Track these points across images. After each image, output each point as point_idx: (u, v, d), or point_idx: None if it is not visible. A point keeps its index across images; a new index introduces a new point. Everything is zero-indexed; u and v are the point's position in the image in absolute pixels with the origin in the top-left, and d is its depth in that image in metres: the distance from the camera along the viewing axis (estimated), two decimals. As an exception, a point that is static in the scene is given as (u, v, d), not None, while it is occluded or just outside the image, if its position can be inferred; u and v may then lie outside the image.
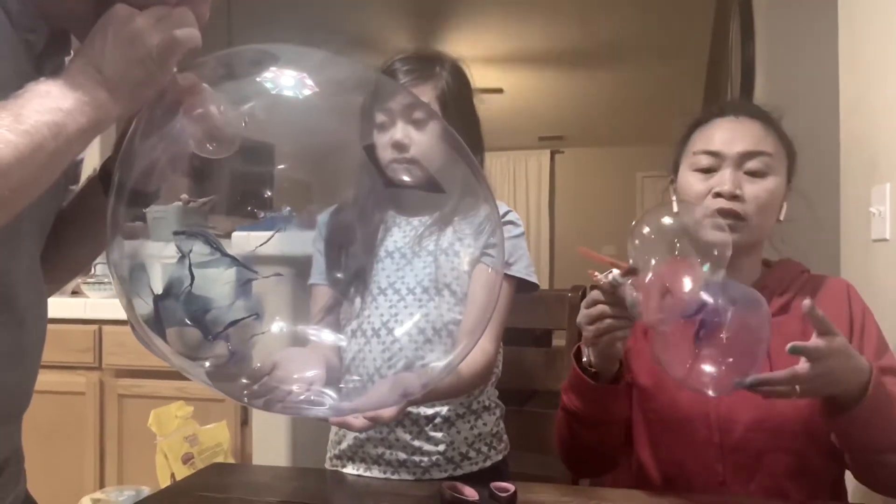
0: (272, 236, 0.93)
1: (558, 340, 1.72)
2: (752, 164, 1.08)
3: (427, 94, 1.19)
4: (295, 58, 0.86)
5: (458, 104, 1.22)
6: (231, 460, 1.95)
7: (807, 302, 0.87)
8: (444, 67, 1.23)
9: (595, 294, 0.97)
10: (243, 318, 0.83)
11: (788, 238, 1.17)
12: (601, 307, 0.95)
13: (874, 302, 1.18)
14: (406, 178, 1.13)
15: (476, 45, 5.15)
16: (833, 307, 1.06)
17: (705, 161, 1.10)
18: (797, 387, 0.87)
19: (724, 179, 1.07)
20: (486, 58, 5.37)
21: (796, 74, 2.10)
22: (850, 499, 1.12)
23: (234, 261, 0.85)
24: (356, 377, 1.11)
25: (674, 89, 5.60)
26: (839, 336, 0.88)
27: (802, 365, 0.87)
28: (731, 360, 0.88)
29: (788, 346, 0.86)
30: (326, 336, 1.10)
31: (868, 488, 1.06)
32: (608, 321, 0.95)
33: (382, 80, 1.11)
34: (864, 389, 0.91)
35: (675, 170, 1.18)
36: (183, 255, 0.81)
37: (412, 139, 1.13)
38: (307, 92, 0.84)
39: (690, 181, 1.11)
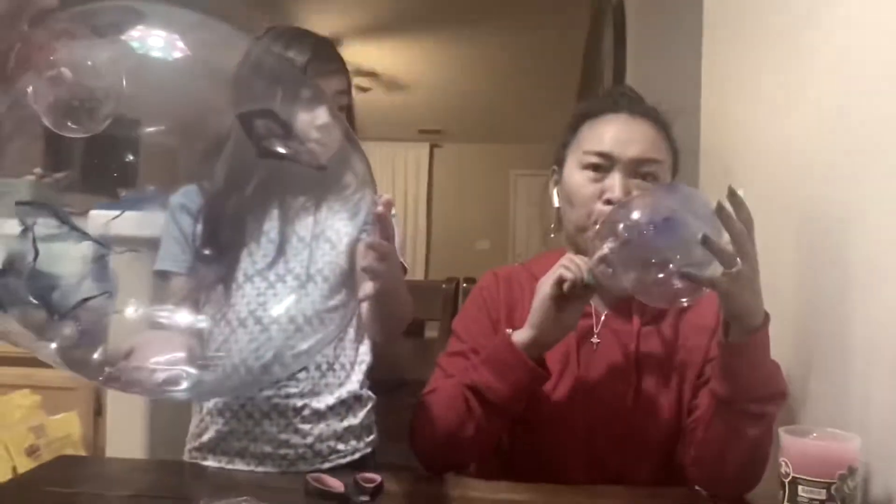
0: (123, 212, 0.87)
1: (430, 332, 1.73)
2: (643, 170, 1.05)
3: (339, 84, 1.21)
4: (164, 17, 0.80)
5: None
6: (82, 452, 1.83)
7: (731, 186, 0.87)
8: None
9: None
10: (94, 297, 0.77)
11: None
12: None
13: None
14: (283, 150, 1.08)
15: (349, 17, 5.01)
16: (708, 309, 1.09)
17: (595, 161, 1.06)
18: (738, 262, 0.87)
19: (615, 186, 1.04)
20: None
21: (663, 84, 2.20)
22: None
23: (84, 235, 0.79)
24: (220, 353, 1.05)
25: (548, 89, 5.77)
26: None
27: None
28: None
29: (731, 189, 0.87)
30: (184, 318, 1.03)
31: (711, 486, 1.03)
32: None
33: (265, 50, 1.07)
34: (762, 322, 0.92)
35: (559, 161, 1.14)
36: (26, 228, 0.74)
37: (334, 126, 1.09)
38: (179, 55, 0.78)
39: (579, 181, 1.07)
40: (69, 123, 0.72)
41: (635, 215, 0.92)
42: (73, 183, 1.04)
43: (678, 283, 0.90)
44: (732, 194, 0.87)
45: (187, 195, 1.12)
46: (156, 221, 1.09)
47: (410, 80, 6.30)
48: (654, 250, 0.91)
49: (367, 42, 5.36)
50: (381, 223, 0.90)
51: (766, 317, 0.93)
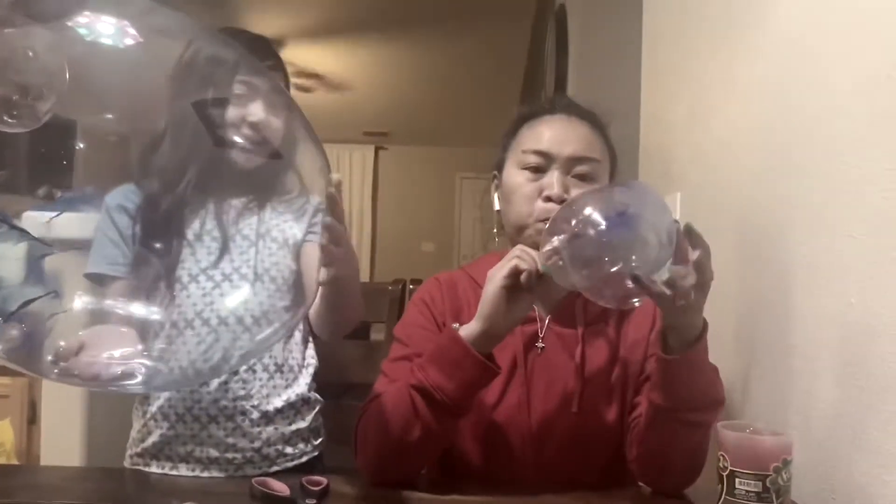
0: (60, 213, 0.84)
1: (376, 334, 1.72)
2: (580, 169, 1.06)
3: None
4: (109, 2, 0.76)
5: None
6: (15, 461, 1.77)
7: (688, 224, 0.88)
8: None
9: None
10: (39, 297, 0.75)
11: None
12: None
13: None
14: (239, 140, 1.04)
15: (293, 19, 4.95)
16: (642, 316, 1.12)
17: (533, 160, 1.07)
18: (691, 282, 0.87)
19: (553, 183, 1.05)
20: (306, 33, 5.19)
21: (604, 86, 2.25)
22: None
23: (25, 234, 0.76)
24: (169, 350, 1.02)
25: (492, 93, 5.80)
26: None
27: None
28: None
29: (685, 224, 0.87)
30: (137, 309, 0.98)
31: (653, 484, 1.06)
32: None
33: (214, 39, 1.04)
34: (701, 332, 0.94)
35: (500, 166, 1.15)
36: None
37: (269, 122, 1.07)
38: (125, 44, 0.74)
39: (518, 180, 1.08)
40: (6, 118, 0.69)
41: (588, 210, 0.91)
42: (5, 184, 1.01)
43: (630, 284, 0.89)
44: (690, 231, 0.88)
45: (125, 195, 1.09)
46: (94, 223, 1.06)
47: (356, 82, 6.26)
48: (606, 246, 0.90)
49: (312, 44, 5.29)
50: (331, 203, 0.87)
51: (705, 325, 0.95)
